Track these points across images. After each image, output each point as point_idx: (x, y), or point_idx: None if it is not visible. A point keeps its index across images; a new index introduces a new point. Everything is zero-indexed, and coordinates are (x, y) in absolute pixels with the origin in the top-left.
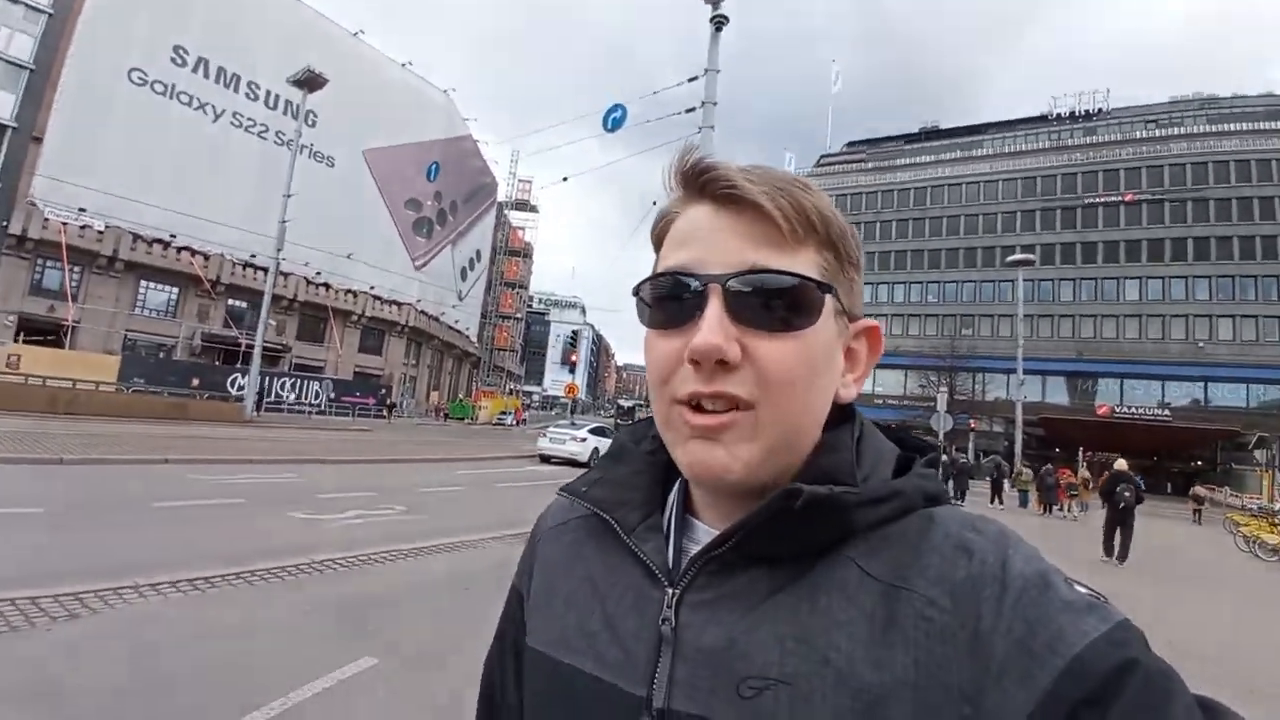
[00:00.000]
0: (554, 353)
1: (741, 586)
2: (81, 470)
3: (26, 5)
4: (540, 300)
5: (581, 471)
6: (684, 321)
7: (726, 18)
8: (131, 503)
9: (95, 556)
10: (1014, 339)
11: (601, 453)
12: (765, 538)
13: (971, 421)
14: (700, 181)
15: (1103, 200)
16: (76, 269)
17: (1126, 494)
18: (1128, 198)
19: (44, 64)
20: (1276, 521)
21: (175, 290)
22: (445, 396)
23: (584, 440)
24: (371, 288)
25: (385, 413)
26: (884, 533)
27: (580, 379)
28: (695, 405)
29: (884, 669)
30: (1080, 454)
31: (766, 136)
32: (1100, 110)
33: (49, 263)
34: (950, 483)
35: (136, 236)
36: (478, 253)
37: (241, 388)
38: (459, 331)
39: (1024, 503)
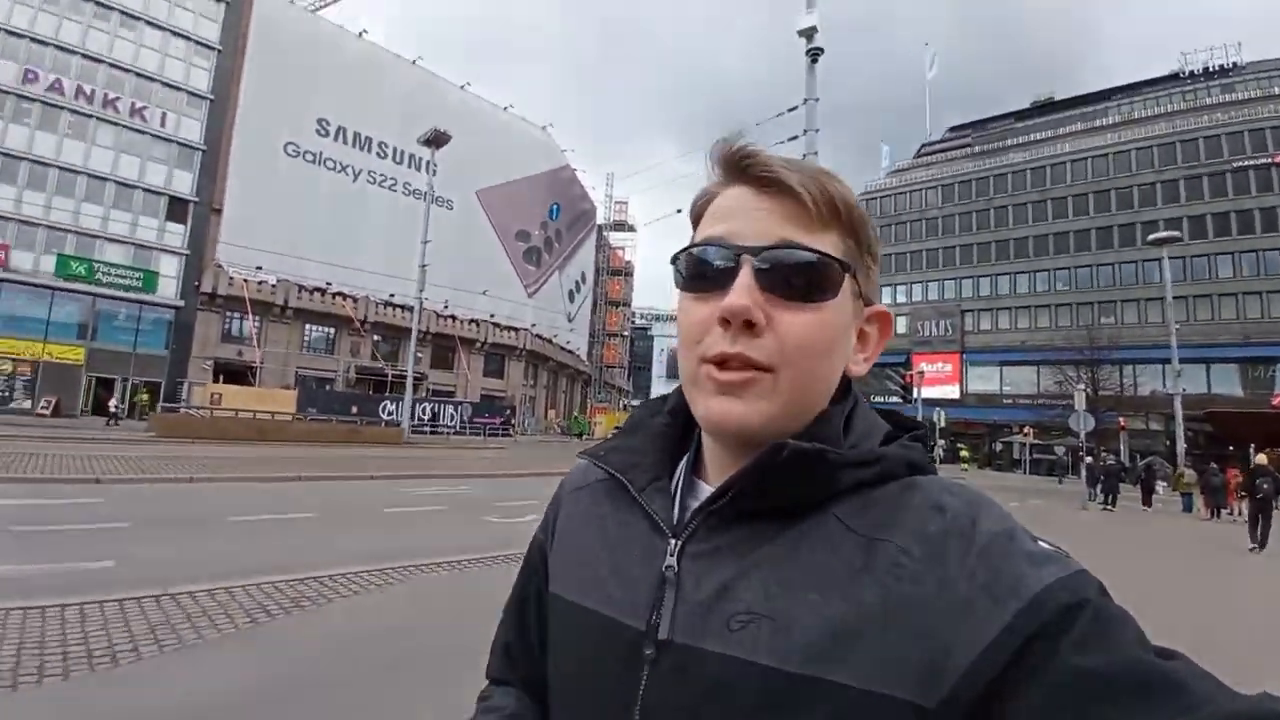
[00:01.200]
0: (658, 366)
1: (737, 539)
2: (320, 485)
3: (189, 92)
4: (642, 316)
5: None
6: (718, 287)
7: (821, 49)
8: (368, 509)
9: (367, 546)
10: (1165, 325)
11: None
12: (755, 491)
13: (1120, 420)
14: (742, 165)
15: (1252, 163)
16: (257, 318)
17: (1265, 486)
18: (1277, 158)
19: (212, 143)
20: None
21: (332, 330)
22: (561, 414)
23: None
24: (491, 316)
25: (510, 431)
26: (868, 495)
27: None
28: (721, 363)
29: (855, 605)
30: (1253, 450)
31: (862, 132)
32: (1235, 65)
33: (235, 314)
34: (1098, 486)
35: (301, 287)
36: (583, 275)
37: (391, 413)
38: (570, 352)
39: (1188, 507)
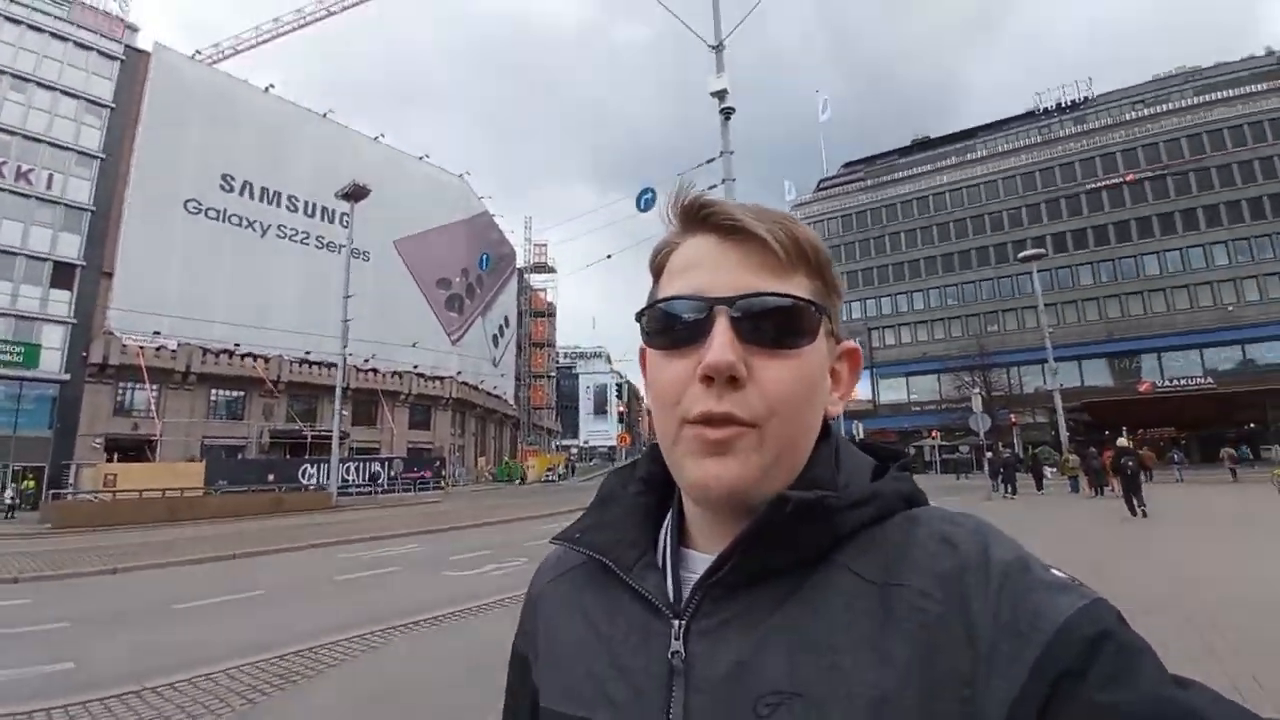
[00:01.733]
0: (585, 403)
1: (745, 607)
2: (259, 560)
3: (78, 152)
4: (566, 354)
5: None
6: (692, 342)
7: (733, 109)
8: (320, 579)
9: (334, 616)
10: (1040, 329)
11: None
12: (762, 551)
13: (1012, 416)
14: (702, 214)
15: (1105, 184)
16: (155, 387)
17: (1129, 464)
18: (1129, 177)
19: (103, 204)
20: None
21: (240, 394)
22: (492, 461)
23: None
24: (415, 367)
25: (441, 483)
26: (870, 536)
27: (613, 427)
28: (706, 422)
29: (888, 665)
30: (1124, 433)
31: (764, 168)
32: (1086, 99)
33: (129, 385)
34: (999, 478)
35: (205, 350)
36: (506, 319)
37: (312, 477)
38: (497, 397)
39: (1075, 488)
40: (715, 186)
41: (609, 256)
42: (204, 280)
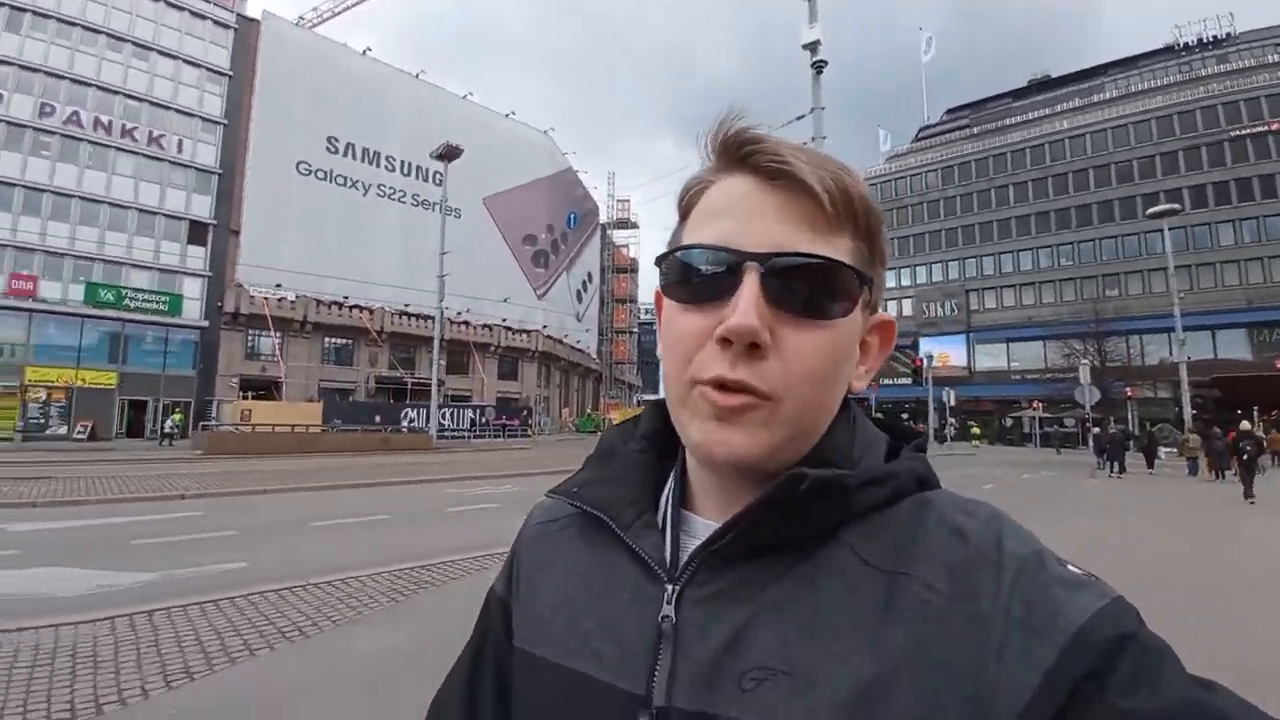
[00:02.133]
0: None
1: (742, 579)
2: (379, 490)
3: (203, 118)
4: (647, 310)
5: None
6: (715, 298)
7: (825, 61)
8: (433, 510)
9: (449, 540)
10: (1169, 294)
11: None
12: (770, 525)
13: (1129, 389)
14: (744, 152)
15: (1250, 130)
16: (278, 334)
17: (1248, 448)
18: (1274, 126)
19: (227, 167)
20: None
21: (349, 342)
22: (575, 413)
23: None
24: (504, 320)
25: (528, 431)
26: (879, 519)
27: None
28: (718, 386)
29: (883, 652)
30: (1255, 414)
31: (859, 116)
32: (1229, 35)
33: (257, 332)
34: (1104, 455)
35: (319, 301)
36: (589, 274)
37: (413, 420)
38: (581, 351)
39: (1193, 470)
40: (808, 141)
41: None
42: (316, 236)
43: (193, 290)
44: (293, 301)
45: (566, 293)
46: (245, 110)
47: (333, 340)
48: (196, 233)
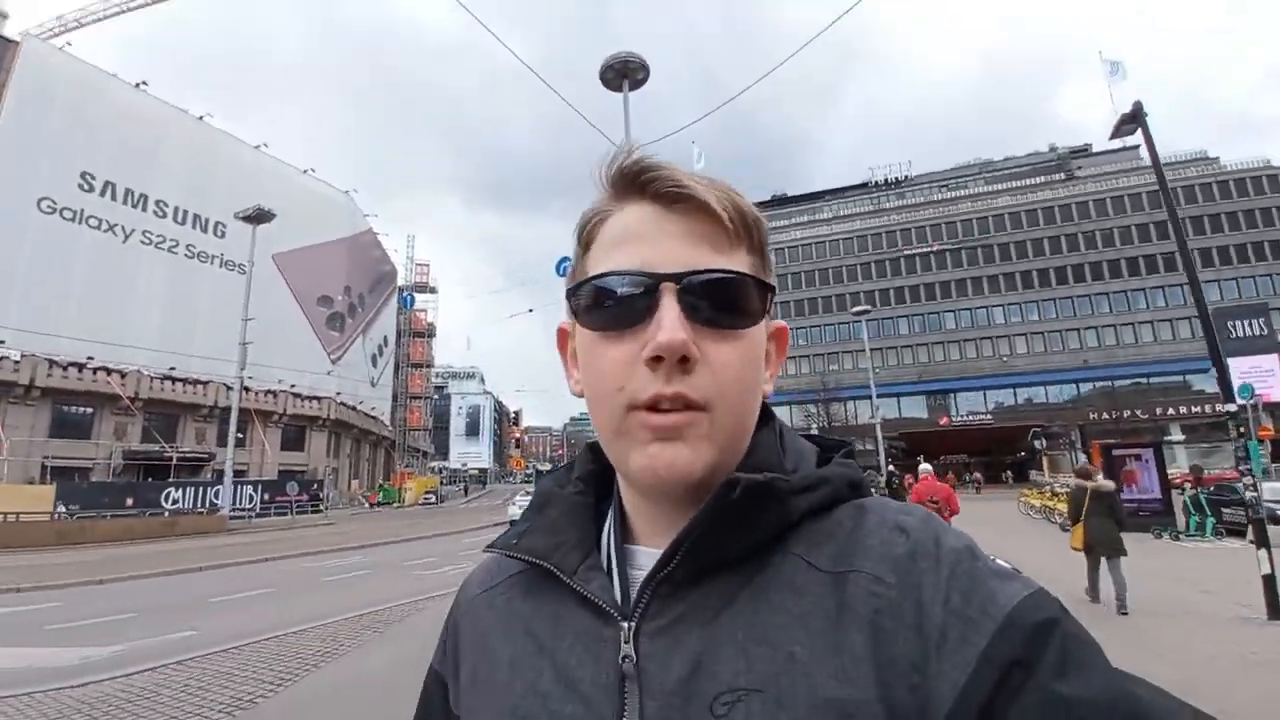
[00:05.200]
0: (457, 423)
1: (696, 603)
2: (242, 569)
3: None
4: (439, 374)
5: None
6: (635, 322)
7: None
8: (312, 579)
9: (358, 598)
10: (867, 371)
11: None
12: (712, 539)
13: None
14: (643, 180)
15: (917, 251)
16: None
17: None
18: (934, 247)
19: None
20: (1043, 492)
21: (89, 410)
22: (365, 484)
23: None
24: (292, 386)
25: (320, 508)
26: (820, 526)
27: (485, 449)
28: (653, 407)
29: (844, 654)
30: (921, 459)
31: None
32: (906, 177)
33: None
34: None
35: (52, 363)
36: (385, 338)
37: (176, 501)
38: (374, 418)
39: None
40: None
41: (530, 310)
42: (54, 286)
43: None
44: (16, 362)
45: (361, 357)
46: None
47: (68, 408)
48: None
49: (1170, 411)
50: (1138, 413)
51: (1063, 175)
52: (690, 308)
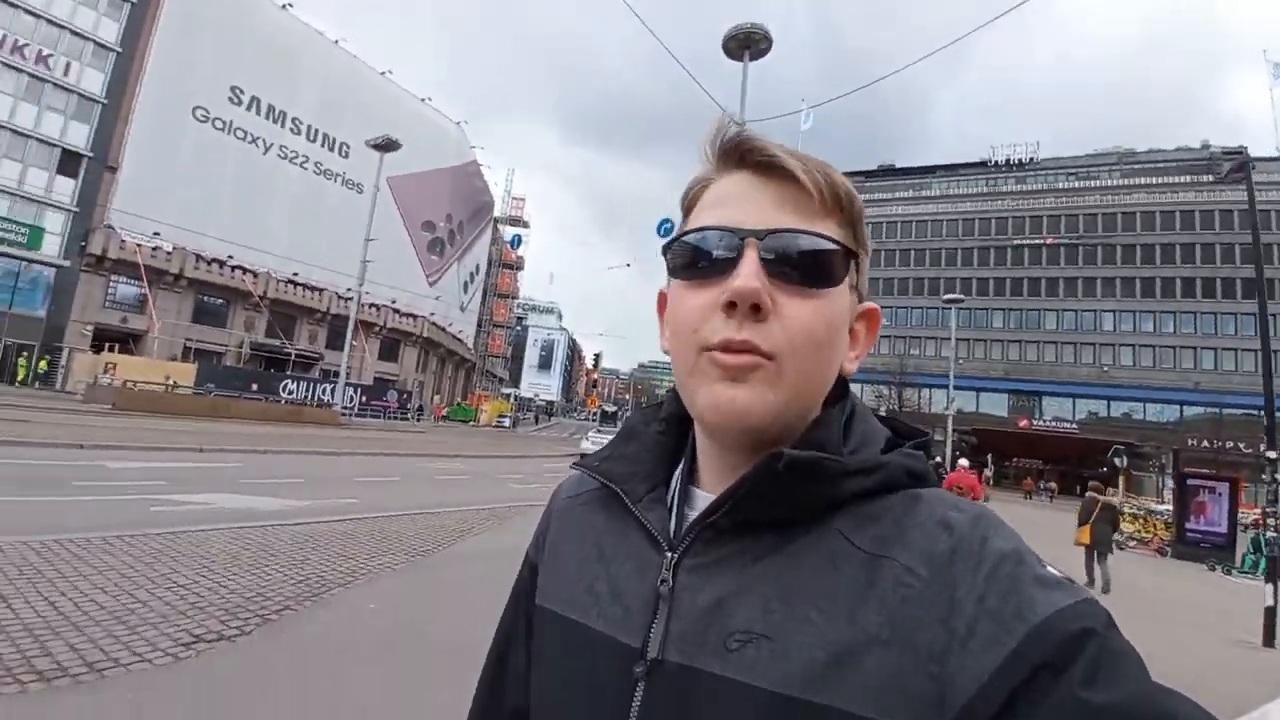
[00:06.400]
0: (532, 355)
1: (734, 551)
2: (370, 460)
3: (96, 43)
4: (520, 306)
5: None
6: (719, 274)
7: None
8: (427, 477)
9: (465, 495)
10: (949, 360)
11: None
12: (754, 501)
13: None
14: (740, 151)
15: (1029, 242)
16: (146, 286)
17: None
18: (1049, 240)
19: (114, 98)
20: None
21: (224, 302)
22: (445, 400)
23: None
24: (393, 302)
25: (408, 415)
26: (870, 508)
27: (555, 382)
28: (725, 349)
29: (858, 625)
30: (989, 459)
31: None
32: (1032, 159)
33: (121, 279)
34: None
35: (199, 257)
36: (478, 266)
37: (291, 392)
38: (460, 340)
39: None
40: None
41: (628, 265)
42: (204, 188)
43: (54, 224)
44: (169, 252)
45: (455, 282)
46: (144, 42)
47: (208, 298)
48: (68, 163)
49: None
50: (1240, 445)
51: (1211, 178)
52: (769, 263)
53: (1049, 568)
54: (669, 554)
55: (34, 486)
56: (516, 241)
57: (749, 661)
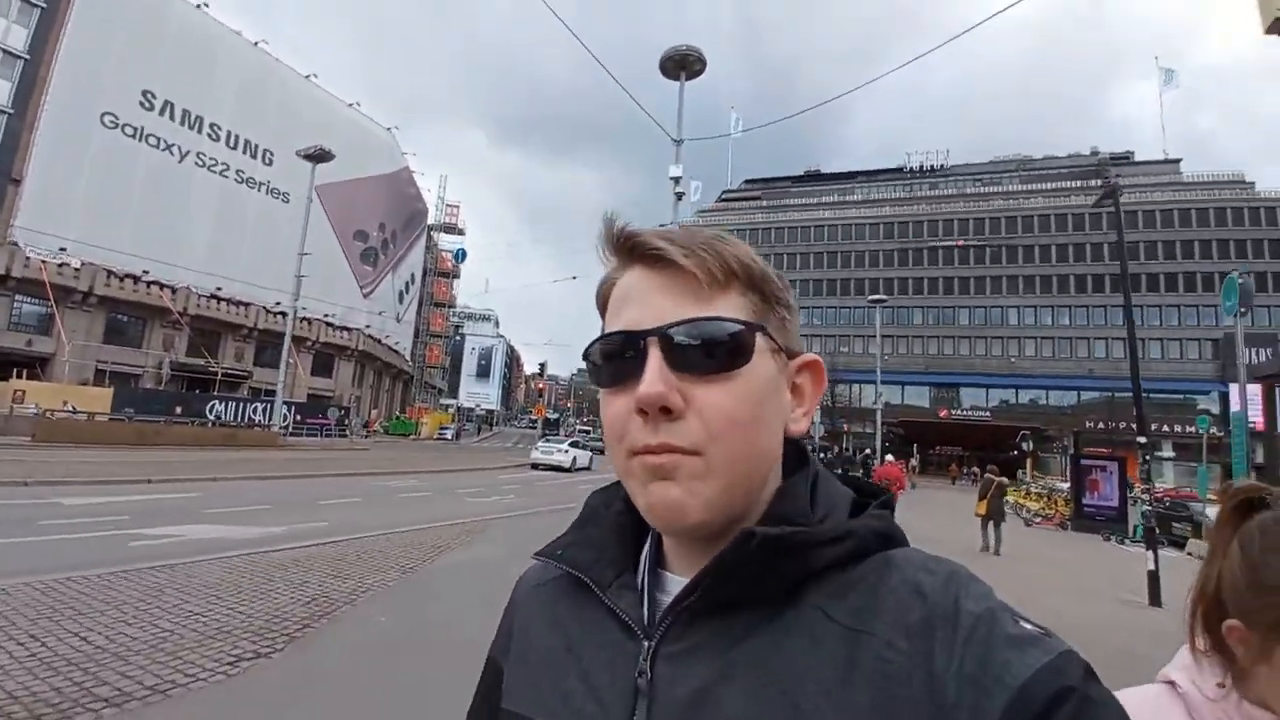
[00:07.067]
0: (469, 364)
1: (713, 635)
2: (322, 481)
3: (4, 50)
4: (455, 314)
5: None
6: (629, 377)
7: (684, 192)
8: (387, 496)
9: (428, 512)
10: (876, 356)
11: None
12: (729, 582)
13: (845, 424)
14: (629, 247)
15: (942, 244)
16: (50, 304)
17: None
18: (959, 243)
19: (20, 107)
20: (1019, 490)
21: (140, 320)
22: (383, 414)
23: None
24: (325, 315)
25: (346, 433)
26: (844, 578)
27: (494, 391)
28: (649, 453)
29: (846, 711)
30: (914, 448)
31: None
32: (942, 165)
33: (24, 299)
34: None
35: (110, 273)
36: (413, 276)
37: (219, 414)
38: (397, 352)
39: None
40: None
41: (574, 278)
42: (115, 200)
43: None
44: (77, 269)
45: (390, 292)
46: (52, 47)
47: (121, 317)
48: None
49: (1165, 429)
50: (1133, 425)
51: (1099, 182)
52: (672, 358)
53: (1023, 622)
54: (646, 642)
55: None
56: (461, 255)
57: None
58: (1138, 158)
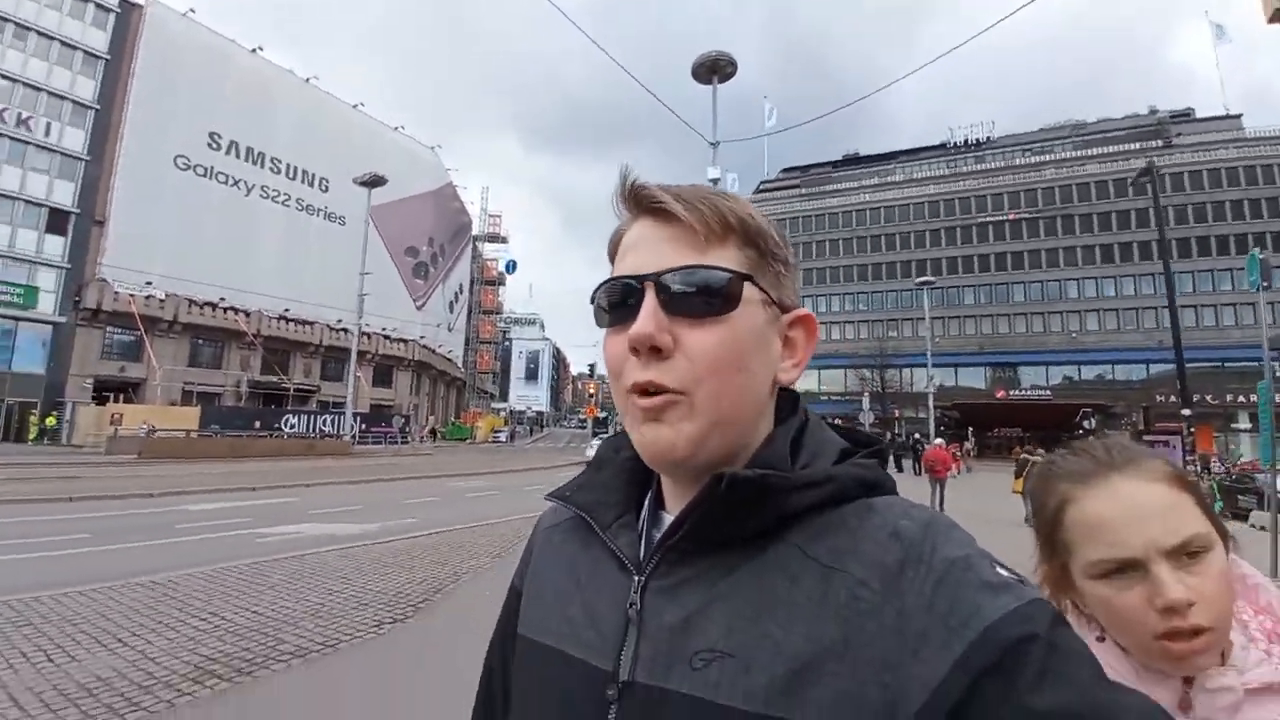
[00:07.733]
0: (518, 368)
1: (698, 571)
2: (394, 485)
3: (74, 101)
4: (503, 319)
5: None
6: (629, 318)
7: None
8: (458, 495)
9: (500, 507)
10: (927, 339)
11: None
12: (709, 522)
13: (895, 409)
14: (636, 199)
15: (992, 219)
16: (139, 333)
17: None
18: (1011, 216)
19: (96, 153)
20: None
21: (219, 344)
22: (440, 420)
23: None
24: (383, 329)
25: (408, 439)
26: (825, 520)
27: (543, 393)
28: (642, 391)
29: (815, 641)
30: (969, 431)
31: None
32: (988, 138)
33: (116, 330)
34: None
35: (191, 301)
36: (461, 285)
37: (294, 426)
38: (450, 360)
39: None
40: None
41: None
42: (191, 234)
43: (48, 282)
44: (162, 300)
45: (441, 303)
46: (121, 97)
47: (202, 341)
48: (56, 221)
49: (1241, 399)
50: (1208, 398)
51: (1159, 143)
52: (667, 302)
53: (1000, 569)
54: (636, 577)
55: (142, 533)
56: (511, 267)
57: (714, 679)
58: (1199, 114)
